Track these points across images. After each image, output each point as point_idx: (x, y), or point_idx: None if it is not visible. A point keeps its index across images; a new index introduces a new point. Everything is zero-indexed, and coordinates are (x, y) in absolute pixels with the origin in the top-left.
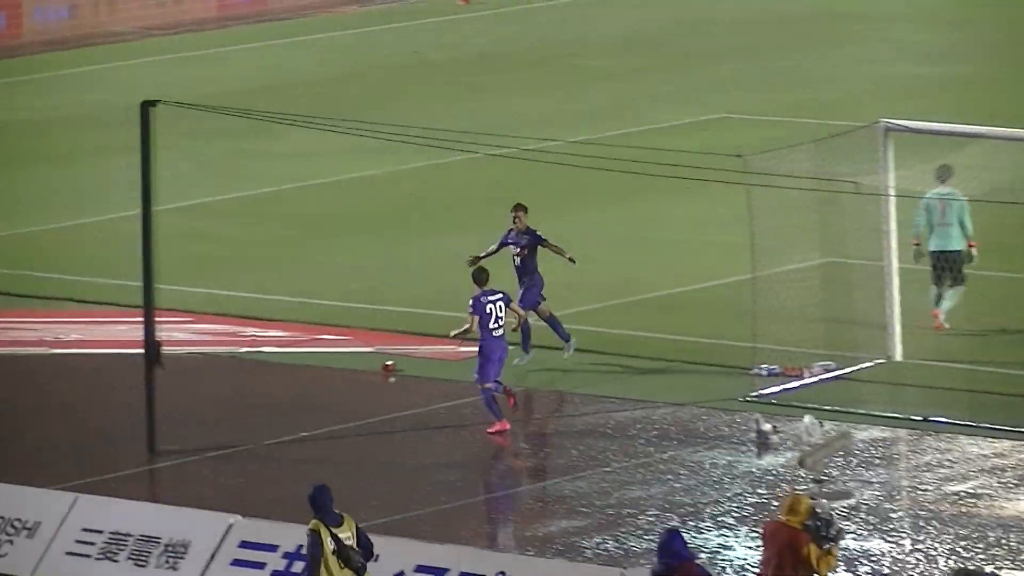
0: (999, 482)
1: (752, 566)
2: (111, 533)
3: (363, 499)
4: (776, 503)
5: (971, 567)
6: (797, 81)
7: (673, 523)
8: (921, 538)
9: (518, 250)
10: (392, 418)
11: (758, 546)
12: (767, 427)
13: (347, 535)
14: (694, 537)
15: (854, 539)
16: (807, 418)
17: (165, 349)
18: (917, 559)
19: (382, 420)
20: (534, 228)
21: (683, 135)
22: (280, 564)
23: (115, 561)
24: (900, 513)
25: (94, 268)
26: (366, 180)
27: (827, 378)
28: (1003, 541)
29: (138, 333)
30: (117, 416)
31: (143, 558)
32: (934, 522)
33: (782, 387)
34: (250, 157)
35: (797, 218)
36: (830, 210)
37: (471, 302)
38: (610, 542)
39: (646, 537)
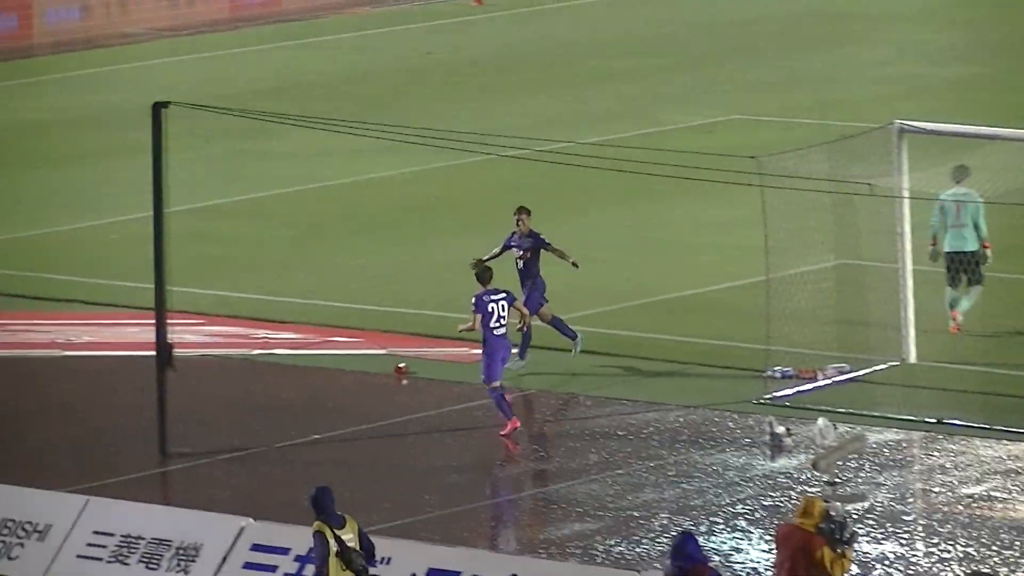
0: (1014, 485)
1: (766, 569)
2: (122, 536)
3: (375, 502)
4: (790, 506)
5: (985, 570)
6: (807, 82)
7: (686, 526)
8: (935, 541)
9: (521, 253)
10: (404, 420)
11: (771, 549)
12: (781, 429)
13: (349, 536)
14: (707, 540)
15: (868, 542)
16: (821, 420)
17: (176, 351)
18: (931, 562)
19: (394, 423)
20: (537, 231)
21: (693, 136)
22: (292, 567)
23: (126, 564)
24: (914, 516)
25: (105, 270)
26: (379, 181)
27: (841, 380)
28: (1017, 544)
29: (149, 335)
30: (128, 418)
31: (155, 561)
32: (948, 525)
33: (796, 389)
34: (262, 158)
35: (811, 220)
36: (844, 212)
37: (473, 300)
38: (623, 545)
39: (659, 540)
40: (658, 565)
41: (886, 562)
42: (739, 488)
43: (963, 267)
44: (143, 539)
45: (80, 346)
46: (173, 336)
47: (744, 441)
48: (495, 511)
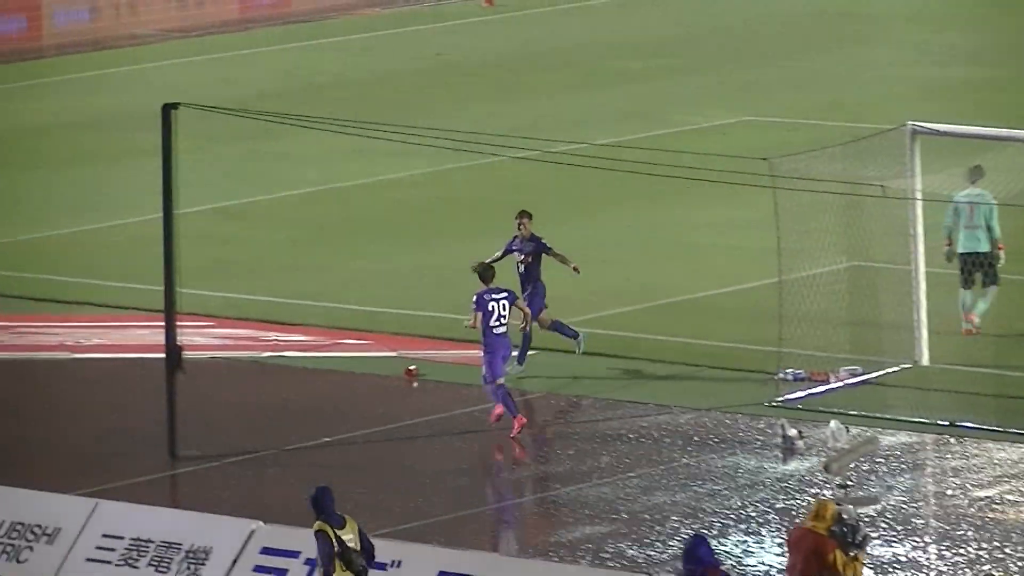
0: None
1: (778, 572)
2: (132, 539)
3: (385, 504)
4: (802, 509)
5: (997, 573)
6: (819, 83)
7: (698, 529)
8: (948, 544)
9: (522, 257)
10: (414, 423)
11: (783, 552)
12: (793, 432)
13: (349, 537)
14: (719, 543)
15: (880, 545)
16: (833, 423)
17: (186, 354)
18: (944, 565)
19: (404, 425)
20: (539, 235)
21: (705, 138)
22: (302, 571)
23: (136, 568)
24: (927, 519)
25: (114, 272)
26: (389, 183)
27: (853, 383)
28: None
29: (159, 337)
30: (138, 421)
31: (164, 565)
32: (961, 528)
33: (808, 392)
34: (272, 160)
35: (823, 221)
36: (857, 213)
37: (475, 298)
38: (635, 548)
39: (671, 543)
40: (669, 569)
41: (898, 565)
42: (751, 491)
43: (977, 268)
44: (152, 542)
45: (89, 348)
46: (183, 338)
47: (756, 444)
48: (505, 514)
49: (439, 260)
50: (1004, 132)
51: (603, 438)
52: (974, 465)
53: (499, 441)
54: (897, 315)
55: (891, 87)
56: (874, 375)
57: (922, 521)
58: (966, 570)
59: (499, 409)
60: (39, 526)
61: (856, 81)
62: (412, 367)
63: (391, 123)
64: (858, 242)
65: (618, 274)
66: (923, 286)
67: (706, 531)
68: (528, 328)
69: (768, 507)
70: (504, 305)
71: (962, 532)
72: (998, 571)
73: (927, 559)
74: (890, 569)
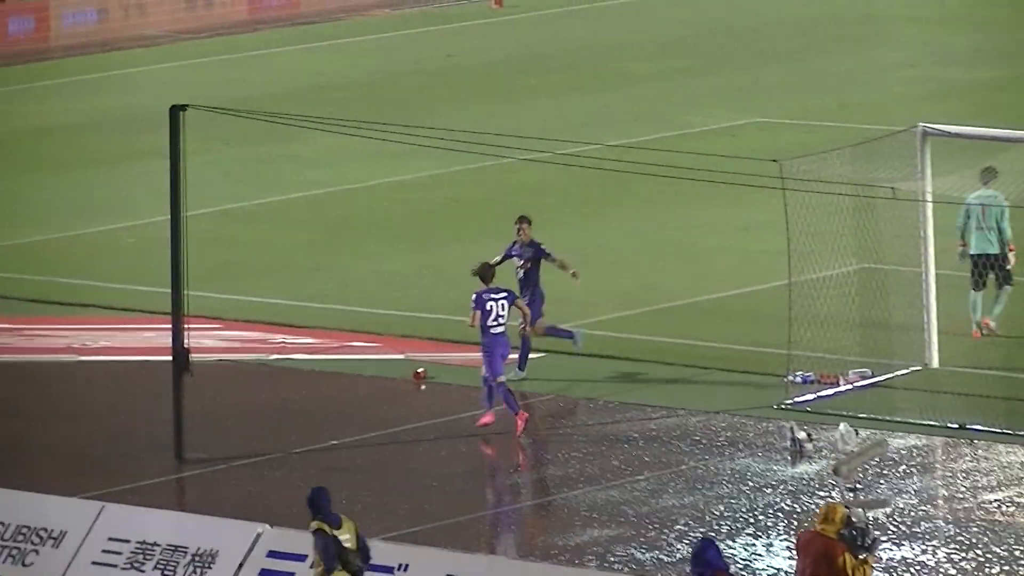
0: None
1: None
2: (137, 543)
3: (391, 507)
4: (811, 512)
5: None
6: (829, 85)
7: (706, 532)
8: (957, 547)
9: (522, 263)
10: (422, 426)
11: (792, 555)
12: (802, 435)
13: (346, 537)
14: (728, 546)
15: (890, 548)
16: (842, 426)
17: (193, 356)
18: (953, 568)
19: (412, 428)
20: (539, 241)
21: (715, 139)
22: (308, 574)
23: (141, 571)
24: (936, 522)
25: (122, 274)
26: (397, 185)
27: (863, 385)
28: None
29: (166, 340)
30: (144, 424)
31: (170, 568)
32: (970, 531)
33: (817, 394)
34: (280, 161)
35: (833, 223)
36: (867, 215)
37: (474, 297)
38: (643, 551)
39: (679, 546)
40: (678, 573)
41: (908, 568)
42: (760, 494)
43: (988, 270)
44: (159, 545)
45: (96, 351)
46: (190, 341)
47: (765, 447)
48: (512, 517)
49: (447, 261)
50: (1015, 133)
51: (611, 441)
52: (984, 468)
53: (506, 444)
54: (907, 317)
55: (901, 88)
56: (884, 378)
57: (931, 524)
58: (976, 573)
59: (487, 418)
60: (45, 529)
61: (866, 82)
62: (420, 369)
63: (399, 124)
64: (868, 244)
65: (626, 276)
66: (933, 288)
67: (715, 534)
68: (528, 329)
69: (777, 510)
70: (503, 305)
71: (972, 535)
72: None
73: (936, 562)
74: (900, 572)
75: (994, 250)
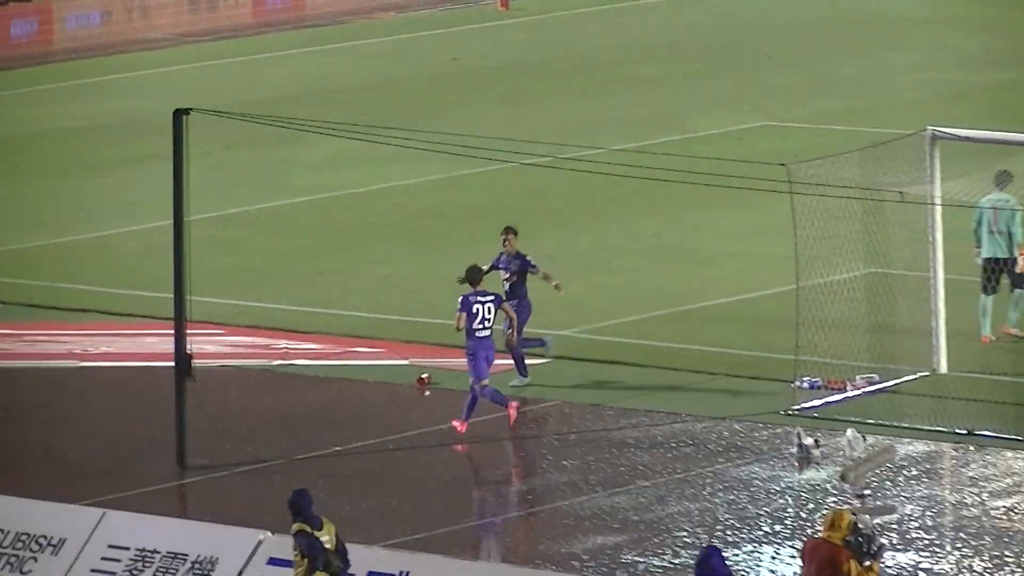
0: None
1: None
2: (137, 550)
3: (394, 514)
4: (818, 519)
5: None
6: (837, 88)
7: (712, 539)
8: (965, 554)
9: (507, 275)
10: (427, 432)
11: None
12: (809, 441)
13: (327, 539)
14: (733, 553)
15: (896, 555)
16: (850, 432)
17: (196, 362)
18: (961, 575)
19: (417, 434)
20: (524, 253)
21: (723, 143)
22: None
23: None
24: (944, 528)
25: (124, 280)
26: (402, 189)
27: (871, 391)
28: None
29: (168, 345)
30: (146, 430)
31: (170, 575)
32: (979, 538)
33: (825, 400)
34: (284, 165)
35: (842, 227)
36: (875, 219)
37: (460, 300)
38: (648, 558)
39: (684, 553)
40: None
41: (916, 575)
42: (766, 500)
43: (999, 274)
44: (158, 553)
45: (98, 356)
46: (192, 346)
47: (772, 453)
48: (520, 523)
49: (452, 267)
50: None
51: (617, 447)
52: (992, 474)
53: (513, 450)
54: (915, 322)
55: (911, 91)
56: (891, 383)
57: (938, 531)
58: None
59: (462, 428)
60: (44, 536)
61: (875, 85)
62: (424, 375)
63: (404, 128)
64: (876, 248)
65: (632, 281)
66: (941, 293)
67: (720, 540)
68: (515, 334)
69: (783, 516)
70: (489, 308)
71: (980, 542)
72: None
73: (944, 569)
74: None
75: (1004, 254)
